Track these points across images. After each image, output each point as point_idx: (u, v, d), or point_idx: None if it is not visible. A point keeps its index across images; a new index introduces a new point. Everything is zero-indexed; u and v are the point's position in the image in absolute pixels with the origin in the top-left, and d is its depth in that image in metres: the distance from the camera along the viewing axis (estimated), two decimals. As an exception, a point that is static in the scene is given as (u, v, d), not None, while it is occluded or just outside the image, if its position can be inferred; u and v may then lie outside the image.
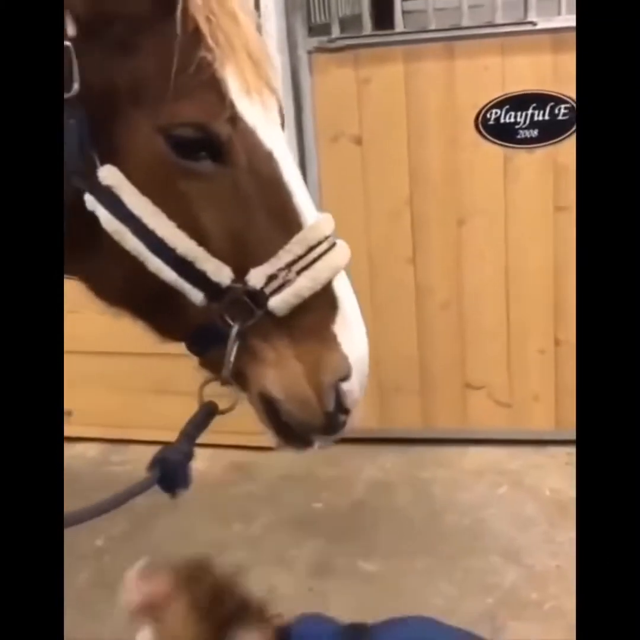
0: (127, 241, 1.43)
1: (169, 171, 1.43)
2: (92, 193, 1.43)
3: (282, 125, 1.57)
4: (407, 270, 4.14)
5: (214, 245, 1.44)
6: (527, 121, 3.86)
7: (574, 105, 3.69)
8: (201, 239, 1.44)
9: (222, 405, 1.58)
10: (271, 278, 1.44)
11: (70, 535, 3.78)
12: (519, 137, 3.89)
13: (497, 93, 3.87)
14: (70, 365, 4.51)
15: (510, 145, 3.92)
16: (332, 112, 4.02)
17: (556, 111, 3.82)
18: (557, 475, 4.03)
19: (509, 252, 4.08)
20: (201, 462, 4.45)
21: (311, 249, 1.46)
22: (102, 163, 1.43)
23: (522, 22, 3.81)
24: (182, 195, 1.43)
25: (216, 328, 1.47)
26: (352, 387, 1.49)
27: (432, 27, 3.86)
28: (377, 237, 4.11)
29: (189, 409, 4.40)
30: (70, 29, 1.40)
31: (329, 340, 1.47)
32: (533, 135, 3.88)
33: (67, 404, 4.70)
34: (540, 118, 3.83)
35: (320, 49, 3.96)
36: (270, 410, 1.52)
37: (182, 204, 1.43)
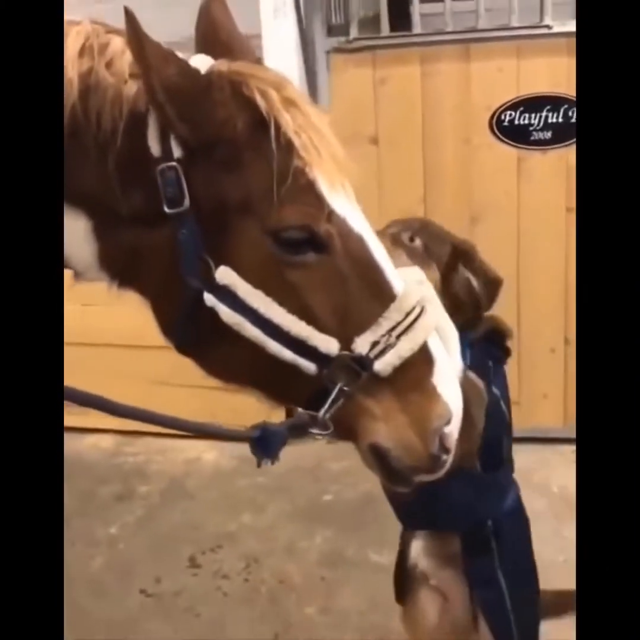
0: (247, 330, 1.59)
1: (277, 265, 1.59)
2: (210, 292, 1.59)
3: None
4: (420, 268, 4.20)
5: (321, 322, 1.60)
6: (541, 123, 3.92)
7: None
8: (310, 319, 1.60)
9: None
10: (374, 344, 1.60)
11: (85, 523, 3.89)
12: (532, 138, 3.96)
13: (511, 95, 3.94)
14: (85, 357, 4.63)
15: (524, 146, 3.98)
16: (349, 112, 4.08)
17: (570, 113, 3.88)
18: (564, 472, 4.08)
19: (520, 252, 4.14)
20: (211, 454, 4.57)
21: (407, 314, 1.62)
22: (217, 265, 1.58)
23: (538, 26, 3.87)
24: (290, 284, 1.59)
25: (328, 391, 1.63)
26: (453, 429, 1.66)
27: (449, 29, 3.92)
28: (390, 235, 4.17)
29: (198, 401, 4.48)
30: (177, 152, 1.56)
31: (430, 391, 1.64)
32: (547, 137, 3.94)
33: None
34: (554, 120, 3.89)
35: (338, 49, 4.03)
36: (380, 458, 1.67)
37: (290, 291, 1.59)
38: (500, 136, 3.98)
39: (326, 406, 1.63)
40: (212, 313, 1.60)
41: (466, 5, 3.95)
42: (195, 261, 1.59)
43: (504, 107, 3.94)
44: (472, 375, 2.01)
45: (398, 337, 1.61)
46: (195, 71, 1.58)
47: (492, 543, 2.18)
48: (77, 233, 1.63)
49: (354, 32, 4.00)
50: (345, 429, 1.69)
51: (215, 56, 1.72)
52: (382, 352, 1.61)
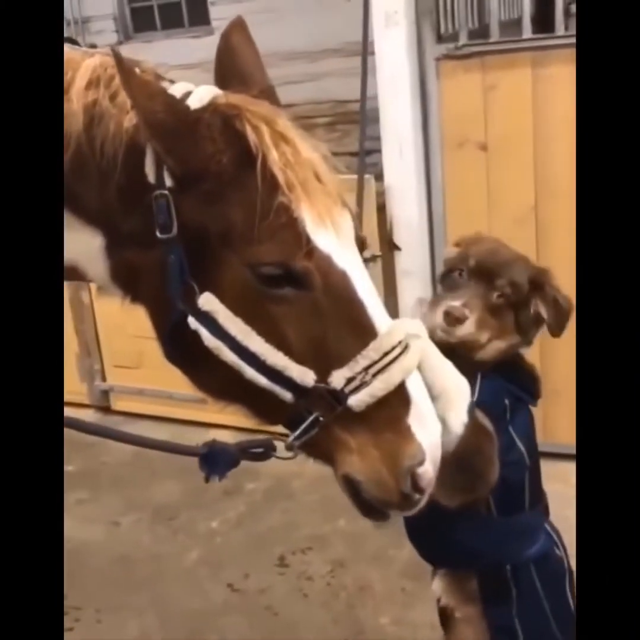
0: (226, 355, 1.66)
1: (257, 297, 1.64)
2: (194, 316, 1.67)
3: (355, 234, 1.76)
4: (531, 278, 4.08)
5: (299, 353, 1.65)
6: (659, 129, 3.69)
7: None
8: (287, 350, 1.64)
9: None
10: (350, 380, 1.63)
11: (188, 515, 4.08)
12: (649, 144, 3.73)
13: (627, 99, 3.72)
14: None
15: (641, 153, 3.76)
16: (458, 119, 4.03)
17: (691, 118, 3.63)
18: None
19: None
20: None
21: (386, 354, 1.64)
22: (201, 291, 1.66)
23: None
24: (269, 315, 1.64)
25: (304, 419, 1.68)
26: (427, 471, 1.67)
27: (561, 33, 3.77)
28: (500, 244, 4.08)
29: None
30: (168, 182, 1.64)
31: (404, 431, 1.65)
32: (665, 143, 3.70)
33: (202, 392, 5.03)
34: (674, 125, 3.66)
35: (447, 56, 3.97)
36: (352, 489, 1.70)
37: (269, 322, 1.65)
38: (616, 142, 3.78)
39: (297, 433, 1.67)
40: (196, 335, 1.67)
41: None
42: (181, 286, 1.67)
43: (619, 111, 3.74)
44: (484, 421, 1.97)
45: (374, 375, 1.63)
46: (183, 107, 1.65)
47: (511, 589, 2.12)
48: (95, 250, 1.76)
49: (463, 38, 3.93)
50: (323, 455, 1.73)
51: (229, 83, 1.80)
52: (357, 389, 1.63)
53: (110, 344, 5.22)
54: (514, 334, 2.08)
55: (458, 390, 1.87)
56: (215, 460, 1.74)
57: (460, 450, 1.84)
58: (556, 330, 2.12)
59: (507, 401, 2.07)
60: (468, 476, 1.93)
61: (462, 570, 2.21)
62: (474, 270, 2.08)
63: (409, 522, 2.24)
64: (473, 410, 1.90)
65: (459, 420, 1.85)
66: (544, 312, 2.08)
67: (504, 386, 2.08)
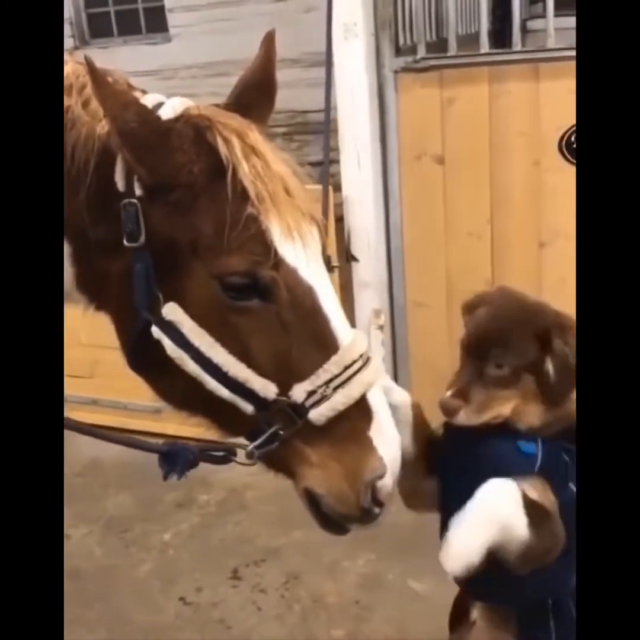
0: (188, 365, 1.66)
1: (222, 308, 1.65)
2: (157, 325, 1.67)
3: (322, 244, 1.77)
4: (486, 291, 4.11)
5: (261, 366, 1.66)
6: (613, 145, 3.74)
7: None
8: (250, 362, 1.65)
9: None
10: (311, 393, 1.65)
11: (141, 528, 4.01)
12: (604, 161, 3.78)
13: (582, 116, 3.77)
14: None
15: (595, 169, 3.81)
16: (416, 131, 4.05)
17: (644, 135, 3.68)
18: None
19: (591, 278, 3.96)
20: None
21: (346, 368, 1.65)
22: (166, 301, 1.66)
23: (611, 44, 3.70)
24: (234, 327, 1.65)
25: (264, 432, 1.68)
26: (386, 484, 1.67)
27: (518, 48, 3.82)
28: (456, 257, 4.11)
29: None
30: (138, 191, 1.64)
31: (366, 444, 1.67)
32: (618, 160, 3.75)
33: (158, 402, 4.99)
34: (627, 142, 3.71)
35: (406, 69, 3.99)
36: (313, 503, 1.71)
37: (233, 334, 1.65)
38: (570, 158, 3.82)
39: (258, 442, 1.68)
40: (158, 344, 1.67)
41: (536, 24, 3.83)
42: (147, 295, 1.67)
43: (573, 128, 3.78)
44: (546, 493, 1.81)
45: (335, 389, 1.64)
46: (154, 117, 1.65)
47: (550, 622, 2.01)
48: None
49: (421, 52, 3.95)
50: (284, 469, 1.74)
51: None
52: (318, 403, 1.64)
53: (64, 352, 5.12)
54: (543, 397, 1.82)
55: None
56: (175, 459, 1.74)
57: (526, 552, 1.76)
58: (557, 397, 1.81)
59: (567, 458, 1.87)
60: (537, 559, 1.83)
61: (506, 605, 2.05)
62: (466, 346, 1.85)
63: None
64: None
65: (519, 520, 1.73)
66: (551, 372, 1.77)
67: (559, 445, 1.88)
